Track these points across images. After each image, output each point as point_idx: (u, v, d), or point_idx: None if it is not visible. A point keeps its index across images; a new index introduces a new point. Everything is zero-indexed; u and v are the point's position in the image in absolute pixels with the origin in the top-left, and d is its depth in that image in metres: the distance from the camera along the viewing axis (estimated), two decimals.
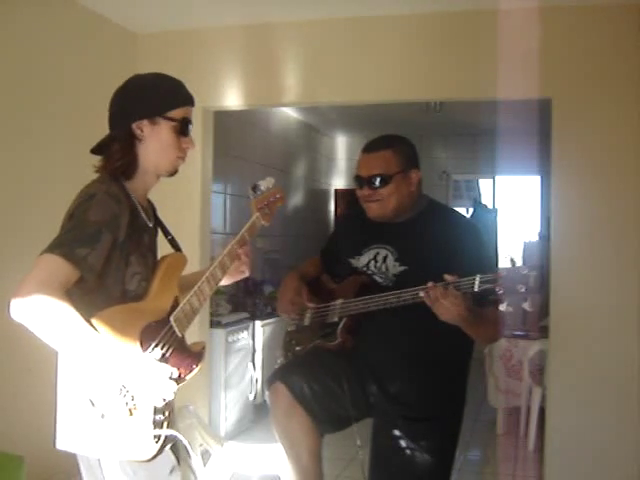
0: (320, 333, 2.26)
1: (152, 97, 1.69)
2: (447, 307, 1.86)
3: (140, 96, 1.69)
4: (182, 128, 1.70)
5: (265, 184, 2.03)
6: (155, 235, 1.79)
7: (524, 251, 6.57)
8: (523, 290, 1.80)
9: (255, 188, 2.01)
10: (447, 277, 1.87)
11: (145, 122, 1.66)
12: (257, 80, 3.93)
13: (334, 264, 2.39)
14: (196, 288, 1.73)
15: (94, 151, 1.71)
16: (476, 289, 1.84)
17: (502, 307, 1.85)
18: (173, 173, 1.76)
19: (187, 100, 1.74)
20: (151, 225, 1.75)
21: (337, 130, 7.90)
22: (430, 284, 1.88)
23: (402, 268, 2.14)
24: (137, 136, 1.67)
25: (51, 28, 3.35)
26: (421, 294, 1.90)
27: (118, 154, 1.66)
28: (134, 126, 1.66)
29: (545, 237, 5.61)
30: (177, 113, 1.69)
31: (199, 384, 3.93)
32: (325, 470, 2.29)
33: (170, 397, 1.55)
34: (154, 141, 1.68)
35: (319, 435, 2.22)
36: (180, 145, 1.71)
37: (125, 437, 1.53)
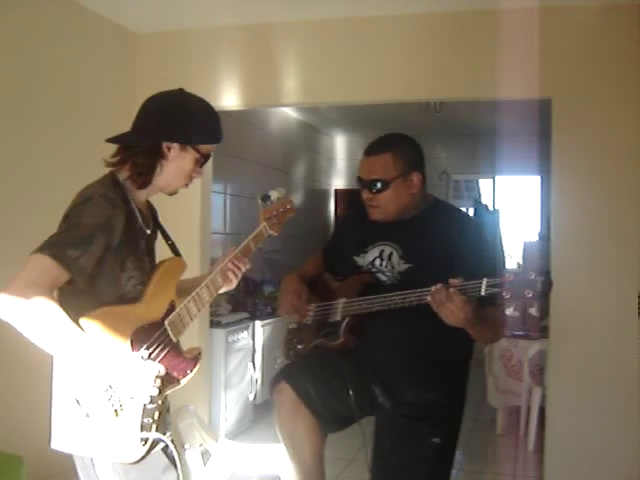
0: (322, 332, 2.26)
1: (193, 126, 1.71)
2: (453, 311, 1.84)
3: (182, 120, 1.71)
4: (202, 161, 1.76)
5: (275, 194, 2.02)
6: (154, 240, 1.79)
7: (524, 251, 6.56)
8: (530, 295, 1.74)
9: (265, 198, 2.00)
10: (452, 281, 1.84)
11: (176, 145, 1.69)
12: (257, 80, 3.93)
13: (337, 262, 2.39)
14: (194, 294, 1.73)
15: (112, 140, 1.71)
16: (482, 293, 1.81)
17: (508, 311, 1.78)
18: (173, 194, 1.79)
19: (219, 139, 1.79)
20: (149, 231, 1.75)
21: (337, 130, 7.89)
22: (437, 287, 1.85)
23: (407, 266, 2.14)
24: (163, 154, 1.69)
25: (50, 27, 3.35)
26: (428, 298, 1.87)
27: (141, 167, 1.68)
28: (164, 144, 1.68)
29: (545, 237, 5.60)
30: (206, 148, 1.75)
31: (199, 384, 3.92)
32: (326, 470, 2.29)
33: (155, 393, 1.54)
34: (175, 164, 1.71)
35: (323, 435, 2.22)
36: (191, 173, 1.76)
37: (111, 438, 1.53)
